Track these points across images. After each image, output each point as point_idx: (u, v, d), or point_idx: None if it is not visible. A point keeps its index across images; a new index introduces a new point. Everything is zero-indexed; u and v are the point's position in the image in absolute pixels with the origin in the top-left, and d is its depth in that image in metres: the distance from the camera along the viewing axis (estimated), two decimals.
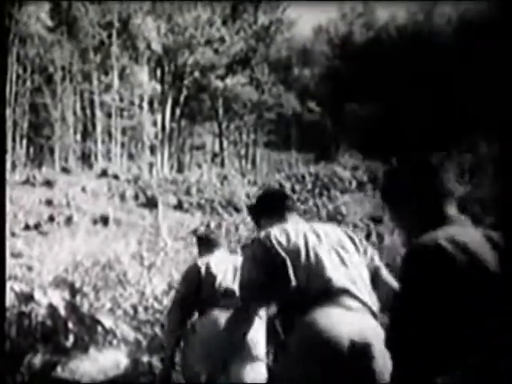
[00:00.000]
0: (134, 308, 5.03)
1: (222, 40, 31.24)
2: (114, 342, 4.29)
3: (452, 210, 1.57)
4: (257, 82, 32.92)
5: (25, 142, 27.39)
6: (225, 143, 33.55)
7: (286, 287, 2.16)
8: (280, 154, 34.67)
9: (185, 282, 3.47)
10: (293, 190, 19.48)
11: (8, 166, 21.20)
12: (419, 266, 1.39)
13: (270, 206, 2.55)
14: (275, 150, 35.95)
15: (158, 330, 4.70)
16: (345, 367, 2.02)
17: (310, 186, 19.16)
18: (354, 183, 20.06)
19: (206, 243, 3.68)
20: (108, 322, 4.38)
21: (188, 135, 35.38)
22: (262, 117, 33.76)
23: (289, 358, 2.14)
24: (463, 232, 1.46)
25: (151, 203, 17.80)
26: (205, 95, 33.21)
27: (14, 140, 26.02)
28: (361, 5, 37.70)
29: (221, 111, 33.15)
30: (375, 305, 2.24)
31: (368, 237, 13.30)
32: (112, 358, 4.05)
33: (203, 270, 3.36)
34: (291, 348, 2.12)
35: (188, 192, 19.37)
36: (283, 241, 2.25)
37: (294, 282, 2.15)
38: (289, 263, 2.19)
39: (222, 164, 31.32)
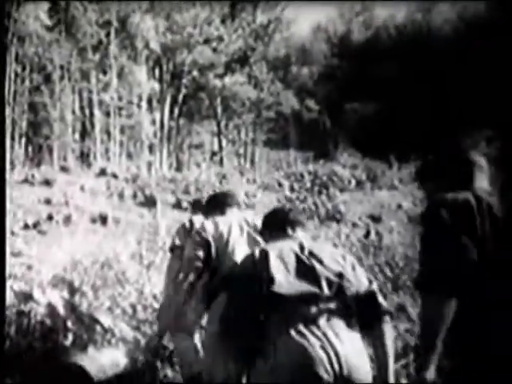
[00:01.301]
0: (133, 307, 5.03)
1: (220, 39, 31.24)
2: (113, 341, 4.29)
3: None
4: (255, 81, 32.91)
5: (24, 141, 27.35)
6: (223, 142, 33.54)
7: (209, 262, 2.94)
8: (279, 152, 34.68)
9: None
10: (292, 189, 19.49)
11: (7, 165, 21.17)
12: None
13: (213, 204, 3.39)
14: (274, 148, 35.96)
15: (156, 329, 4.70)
16: None
17: (308, 185, 19.15)
18: (353, 182, 20.07)
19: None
20: (107, 321, 4.38)
21: (187, 134, 35.36)
22: (261, 115, 33.75)
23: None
24: None
25: (150, 202, 17.79)
26: (203, 94, 33.20)
27: (12, 139, 25.98)
28: (359, 4, 37.74)
29: (219, 110, 33.13)
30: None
31: (367, 235, 13.33)
32: (111, 357, 4.06)
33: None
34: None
35: (187, 191, 19.36)
36: (211, 229, 3.03)
37: (214, 256, 2.96)
38: (213, 245, 2.98)
39: (221, 163, 31.34)
